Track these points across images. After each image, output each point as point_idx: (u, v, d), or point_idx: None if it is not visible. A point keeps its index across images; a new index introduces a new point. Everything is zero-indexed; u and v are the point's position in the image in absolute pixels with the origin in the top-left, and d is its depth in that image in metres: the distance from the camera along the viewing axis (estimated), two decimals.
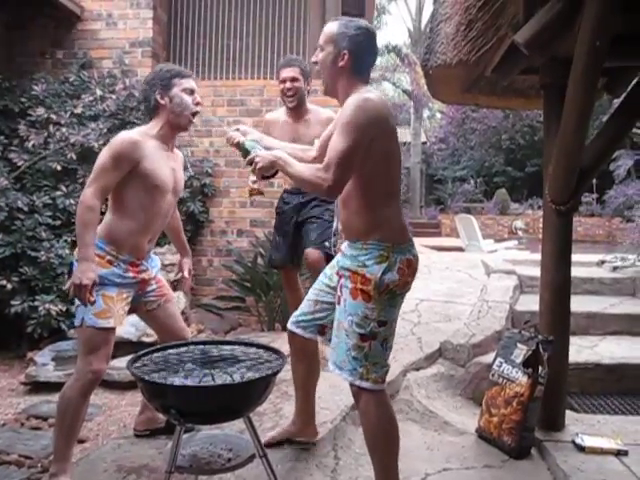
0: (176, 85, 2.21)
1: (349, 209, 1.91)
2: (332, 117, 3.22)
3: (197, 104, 2.26)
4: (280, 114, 3.34)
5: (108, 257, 2.15)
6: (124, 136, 2.17)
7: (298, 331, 2.17)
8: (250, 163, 1.94)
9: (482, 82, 3.04)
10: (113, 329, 2.13)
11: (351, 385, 1.90)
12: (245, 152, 2.01)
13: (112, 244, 2.17)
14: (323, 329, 2.13)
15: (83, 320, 2.08)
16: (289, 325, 2.22)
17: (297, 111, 3.24)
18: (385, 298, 1.85)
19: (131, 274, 2.21)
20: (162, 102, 2.21)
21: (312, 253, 3.17)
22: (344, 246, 1.99)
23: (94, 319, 2.07)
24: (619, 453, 2.45)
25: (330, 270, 2.13)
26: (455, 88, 3.15)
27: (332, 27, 1.90)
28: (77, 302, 2.06)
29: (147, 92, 2.24)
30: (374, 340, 1.86)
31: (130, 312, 2.33)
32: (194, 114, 2.26)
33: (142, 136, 2.19)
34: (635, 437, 2.63)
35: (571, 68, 2.17)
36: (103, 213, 2.23)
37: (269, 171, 1.96)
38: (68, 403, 2.05)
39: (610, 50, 2.09)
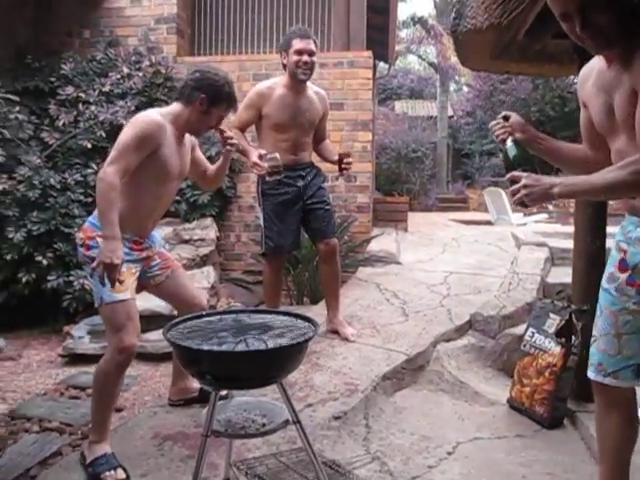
0: (219, 108, 2.25)
1: None
2: (324, 95, 3.28)
3: (215, 130, 2.38)
4: (274, 85, 3.11)
5: None
6: (151, 116, 2.17)
7: None
8: (511, 182, 1.49)
9: (513, 48, 2.95)
10: (133, 301, 2.13)
11: None
12: (509, 162, 1.61)
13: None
14: None
15: (102, 299, 2.08)
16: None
17: (302, 85, 3.11)
18: None
19: (135, 252, 2.23)
20: (200, 106, 2.22)
21: (333, 242, 3.23)
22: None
23: (112, 295, 2.07)
24: None
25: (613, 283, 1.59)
26: (485, 54, 3.06)
27: None
28: (94, 283, 2.07)
29: (193, 88, 2.22)
30: None
31: (140, 290, 2.32)
32: (210, 129, 2.38)
33: (164, 119, 2.19)
34: None
35: None
36: None
37: (536, 204, 1.51)
38: (105, 377, 2.08)
39: None
